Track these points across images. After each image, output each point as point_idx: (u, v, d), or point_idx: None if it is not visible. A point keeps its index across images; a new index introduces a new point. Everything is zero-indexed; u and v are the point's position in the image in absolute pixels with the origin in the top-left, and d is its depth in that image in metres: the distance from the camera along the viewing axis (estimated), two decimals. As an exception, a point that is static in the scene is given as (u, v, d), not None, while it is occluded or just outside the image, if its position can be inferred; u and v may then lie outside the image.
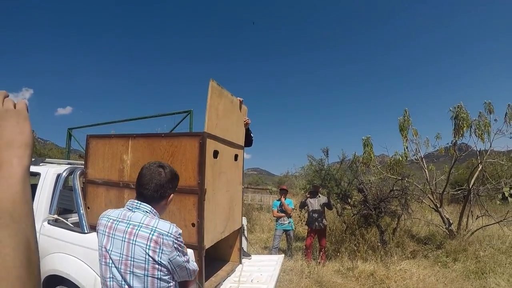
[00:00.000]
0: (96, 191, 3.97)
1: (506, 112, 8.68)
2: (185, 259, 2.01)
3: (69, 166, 4.58)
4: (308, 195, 8.90)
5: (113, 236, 1.91)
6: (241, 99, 4.40)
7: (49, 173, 4.34)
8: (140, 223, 1.89)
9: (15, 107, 0.73)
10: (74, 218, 4.49)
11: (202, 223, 3.23)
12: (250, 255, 4.91)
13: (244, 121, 4.67)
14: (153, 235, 1.85)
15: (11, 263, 0.55)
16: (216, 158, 3.65)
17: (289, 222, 8.68)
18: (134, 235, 1.85)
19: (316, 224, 8.31)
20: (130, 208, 1.99)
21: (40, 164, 4.75)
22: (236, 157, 4.39)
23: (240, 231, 4.69)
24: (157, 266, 1.84)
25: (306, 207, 8.79)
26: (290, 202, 8.86)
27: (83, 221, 3.80)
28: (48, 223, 4.05)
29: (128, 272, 1.83)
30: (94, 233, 3.69)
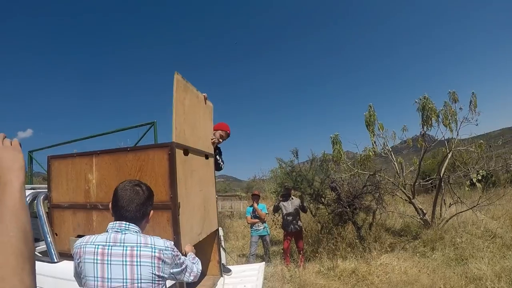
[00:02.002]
0: (63, 216, 3.67)
1: (471, 100, 8.89)
2: (183, 267, 2.07)
3: (32, 191, 4.27)
4: (281, 199, 8.79)
5: (109, 263, 1.79)
6: (205, 94, 4.27)
7: None
8: (137, 243, 1.85)
9: (11, 144, 1.05)
10: (41, 246, 4.19)
11: (179, 240, 3.02)
12: (230, 270, 4.72)
13: (212, 140, 4.51)
14: (154, 252, 1.85)
15: (15, 241, 0.83)
16: (187, 155, 3.47)
17: (264, 227, 8.56)
18: (137, 256, 1.81)
19: (292, 226, 8.23)
20: (119, 230, 1.89)
21: None
22: (206, 156, 4.21)
23: (218, 242, 4.50)
24: (161, 282, 1.90)
25: (279, 211, 8.69)
26: (263, 207, 8.73)
27: (52, 250, 3.54)
28: None
29: None
30: (65, 262, 3.43)
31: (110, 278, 1.76)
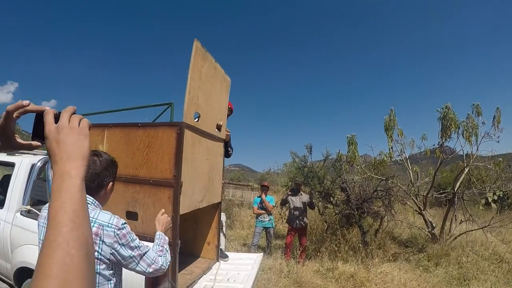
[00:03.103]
0: (71, 182, 3.75)
1: (495, 115, 8.59)
2: (134, 253, 1.82)
3: (44, 156, 4.51)
4: (290, 193, 8.73)
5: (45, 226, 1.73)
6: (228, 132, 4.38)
7: (24, 163, 4.33)
8: None
9: (79, 125, 0.86)
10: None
11: (177, 218, 3.07)
12: (228, 256, 4.70)
13: (227, 133, 4.52)
14: (93, 226, 1.69)
15: (76, 260, 0.65)
16: (198, 121, 3.54)
17: (269, 220, 8.54)
18: None
19: (297, 222, 8.16)
20: None
21: (16, 154, 4.69)
22: (218, 126, 4.23)
23: (219, 227, 4.49)
24: (97, 260, 1.70)
25: (287, 205, 8.62)
26: (271, 199, 8.70)
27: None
28: (21, 214, 4.03)
29: None
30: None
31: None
